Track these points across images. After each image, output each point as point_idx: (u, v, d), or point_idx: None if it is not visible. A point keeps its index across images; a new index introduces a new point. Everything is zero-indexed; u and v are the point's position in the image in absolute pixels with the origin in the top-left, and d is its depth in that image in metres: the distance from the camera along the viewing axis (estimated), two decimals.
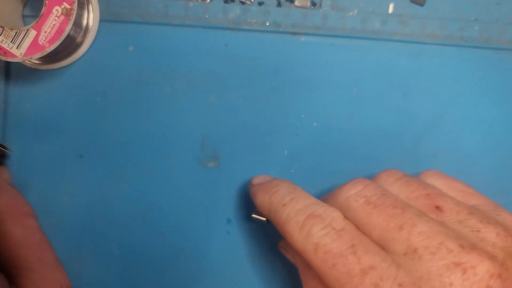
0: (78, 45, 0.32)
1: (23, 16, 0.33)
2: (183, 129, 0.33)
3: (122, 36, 0.33)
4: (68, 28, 0.28)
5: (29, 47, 0.28)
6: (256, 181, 0.30)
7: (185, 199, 0.33)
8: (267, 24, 0.33)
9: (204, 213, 0.33)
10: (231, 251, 0.33)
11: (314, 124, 0.33)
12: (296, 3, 0.33)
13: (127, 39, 0.33)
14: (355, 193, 0.25)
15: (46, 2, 0.28)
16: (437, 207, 0.25)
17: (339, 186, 0.27)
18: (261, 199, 0.28)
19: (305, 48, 0.33)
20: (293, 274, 0.33)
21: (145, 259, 0.33)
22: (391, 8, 0.33)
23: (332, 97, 0.33)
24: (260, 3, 0.33)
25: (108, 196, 0.33)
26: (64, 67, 0.33)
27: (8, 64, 0.33)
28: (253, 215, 0.30)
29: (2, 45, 0.28)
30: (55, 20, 0.28)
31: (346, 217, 0.25)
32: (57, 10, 0.28)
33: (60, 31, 0.28)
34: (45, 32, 0.28)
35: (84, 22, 0.32)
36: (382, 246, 0.23)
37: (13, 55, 0.28)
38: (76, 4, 0.28)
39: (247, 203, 0.33)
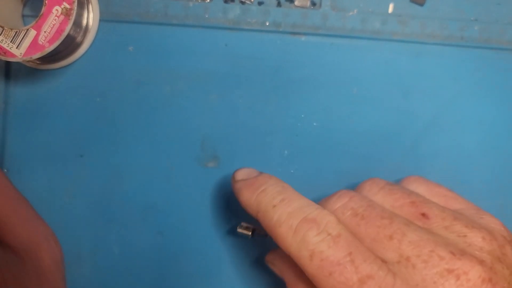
0: (78, 45, 0.32)
1: (23, 16, 0.33)
2: (183, 128, 0.33)
3: (122, 36, 0.33)
4: (68, 28, 0.28)
5: (29, 47, 0.28)
6: (239, 175, 0.28)
7: (185, 199, 0.33)
8: (267, 24, 0.33)
9: (204, 212, 0.33)
10: (231, 250, 0.33)
11: (314, 124, 0.33)
12: (296, 3, 0.33)
13: (127, 39, 0.33)
14: (341, 206, 0.25)
15: (46, 2, 0.28)
16: (423, 215, 0.25)
17: (323, 198, 0.27)
18: (247, 197, 0.26)
19: (305, 48, 0.33)
20: None
21: (145, 258, 0.33)
22: (391, 8, 0.33)
23: (332, 97, 0.33)
24: (260, 3, 0.33)
25: (108, 196, 0.33)
26: (64, 67, 0.33)
27: (8, 64, 0.33)
28: (239, 230, 0.29)
29: (2, 44, 0.28)
30: (55, 20, 0.28)
31: None
32: (57, 10, 0.28)
33: (60, 31, 0.28)
34: (45, 32, 0.28)
35: (84, 22, 0.32)
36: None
37: (13, 55, 0.28)
38: (76, 4, 0.29)
39: None
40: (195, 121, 0.33)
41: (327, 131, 0.33)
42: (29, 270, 0.29)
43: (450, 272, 0.21)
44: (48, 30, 0.28)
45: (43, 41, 0.28)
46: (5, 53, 0.28)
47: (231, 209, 0.33)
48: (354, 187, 0.32)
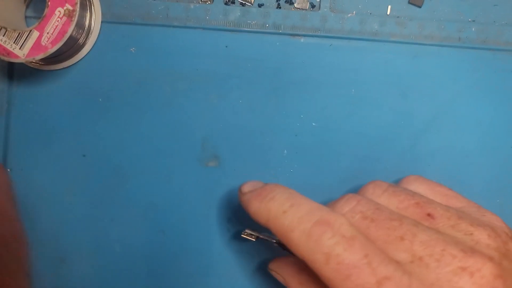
0: (80, 46, 0.33)
1: (26, 17, 0.33)
2: (184, 129, 0.33)
3: (123, 37, 0.33)
4: (70, 29, 0.29)
5: (32, 48, 0.29)
6: (246, 188, 0.28)
7: (186, 198, 0.33)
8: (267, 25, 0.33)
9: (204, 212, 0.33)
10: (232, 249, 0.33)
11: (313, 124, 0.33)
12: (296, 5, 0.33)
13: (128, 40, 0.33)
14: (350, 209, 0.25)
15: (49, 3, 0.29)
16: (428, 215, 0.25)
17: (329, 203, 0.26)
18: (257, 206, 0.25)
19: (304, 49, 0.33)
20: None
21: (146, 257, 0.33)
22: (389, 10, 0.33)
23: (331, 98, 0.33)
24: (260, 5, 0.33)
25: (109, 195, 0.33)
26: (67, 67, 0.33)
27: (11, 64, 0.33)
28: (243, 235, 0.29)
29: (5, 45, 0.29)
30: (58, 21, 0.29)
31: None
32: (59, 11, 0.29)
33: (62, 32, 0.29)
34: (47, 33, 0.29)
35: (86, 23, 0.32)
36: None
37: (16, 56, 0.29)
38: (78, 5, 0.29)
39: None
40: (196, 121, 0.33)
41: (326, 131, 0.33)
42: None
43: (463, 270, 0.22)
44: (51, 31, 0.29)
45: (46, 42, 0.29)
46: (8, 54, 0.29)
47: (231, 208, 0.33)
48: (353, 186, 0.33)
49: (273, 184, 0.27)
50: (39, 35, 0.29)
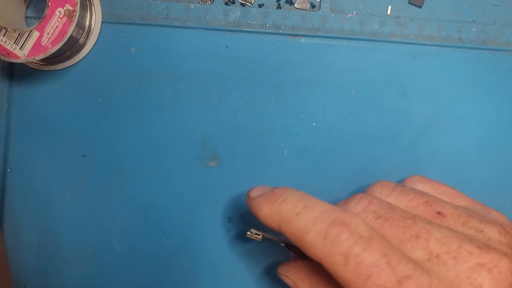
0: (81, 46, 0.33)
1: (26, 18, 0.33)
2: (184, 129, 0.33)
3: (124, 37, 0.33)
4: (70, 29, 0.29)
5: (32, 48, 0.29)
6: (254, 193, 0.27)
7: (186, 198, 0.33)
8: (267, 26, 0.33)
9: (205, 211, 0.33)
10: (232, 249, 0.33)
11: (313, 124, 0.33)
12: (296, 5, 0.33)
13: (129, 40, 0.33)
14: (363, 209, 0.25)
15: (49, 3, 0.29)
16: (439, 213, 0.25)
17: (340, 202, 0.26)
18: (267, 211, 0.25)
19: (304, 49, 0.33)
20: None
21: (146, 256, 0.33)
22: (389, 10, 0.33)
23: (331, 98, 0.33)
24: (260, 5, 0.33)
25: (110, 195, 0.33)
26: (67, 68, 0.33)
27: (11, 64, 0.33)
28: (248, 235, 0.28)
29: (6, 46, 0.29)
30: (58, 21, 0.29)
31: None
32: (59, 11, 0.29)
33: (62, 32, 0.29)
34: (48, 33, 0.29)
35: (87, 24, 0.32)
36: None
37: (16, 56, 0.29)
38: (78, 5, 0.29)
39: None
40: (196, 121, 0.33)
41: (326, 131, 0.33)
42: None
43: (481, 266, 0.22)
44: (51, 31, 0.29)
45: (46, 43, 0.29)
46: (8, 54, 0.29)
47: (231, 208, 0.33)
48: (353, 186, 0.33)
49: (282, 187, 0.26)
50: (40, 35, 0.29)
